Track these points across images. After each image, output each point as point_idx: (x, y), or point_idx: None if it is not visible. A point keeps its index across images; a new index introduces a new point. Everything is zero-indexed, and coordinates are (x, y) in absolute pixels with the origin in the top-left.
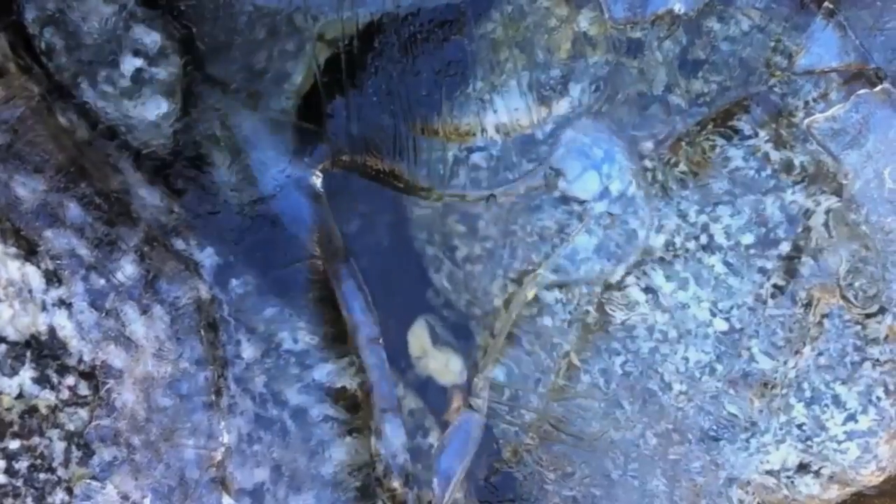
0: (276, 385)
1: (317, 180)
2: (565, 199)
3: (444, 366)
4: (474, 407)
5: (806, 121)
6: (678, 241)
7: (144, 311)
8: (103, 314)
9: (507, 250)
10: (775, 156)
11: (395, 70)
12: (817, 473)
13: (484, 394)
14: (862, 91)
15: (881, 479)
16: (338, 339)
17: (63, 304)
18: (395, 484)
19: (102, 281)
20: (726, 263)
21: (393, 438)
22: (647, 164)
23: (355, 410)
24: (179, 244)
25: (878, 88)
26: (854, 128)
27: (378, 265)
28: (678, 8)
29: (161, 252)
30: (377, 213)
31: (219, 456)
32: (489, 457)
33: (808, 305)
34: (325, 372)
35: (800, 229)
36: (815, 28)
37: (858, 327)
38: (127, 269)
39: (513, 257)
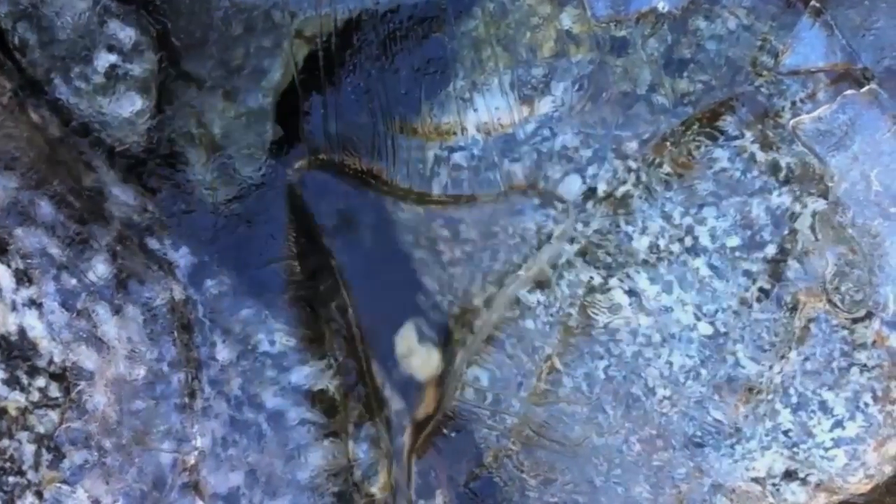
0: (252, 388)
1: (293, 179)
2: (548, 201)
3: (426, 361)
4: (450, 411)
5: (791, 122)
6: (661, 243)
7: (117, 311)
8: (74, 314)
9: (487, 253)
10: (761, 157)
11: (373, 68)
12: (804, 481)
13: (462, 397)
14: (849, 92)
15: (869, 486)
16: (316, 340)
17: (33, 304)
18: (374, 489)
19: (74, 281)
20: (711, 266)
21: (368, 443)
22: (631, 164)
23: (333, 414)
24: (153, 244)
25: (864, 89)
26: (840, 129)
27: (358, 264)
28: (662, 6)
29: (134, 251)
30: (357, 212)
31: (192, 460)
32: (469, 462)
33: (793, 309)
34: (303, 374)
35: (786, 232)
36: (801, 27)
37: (846, 332)
38: (99, 269)
39: (494, 260)
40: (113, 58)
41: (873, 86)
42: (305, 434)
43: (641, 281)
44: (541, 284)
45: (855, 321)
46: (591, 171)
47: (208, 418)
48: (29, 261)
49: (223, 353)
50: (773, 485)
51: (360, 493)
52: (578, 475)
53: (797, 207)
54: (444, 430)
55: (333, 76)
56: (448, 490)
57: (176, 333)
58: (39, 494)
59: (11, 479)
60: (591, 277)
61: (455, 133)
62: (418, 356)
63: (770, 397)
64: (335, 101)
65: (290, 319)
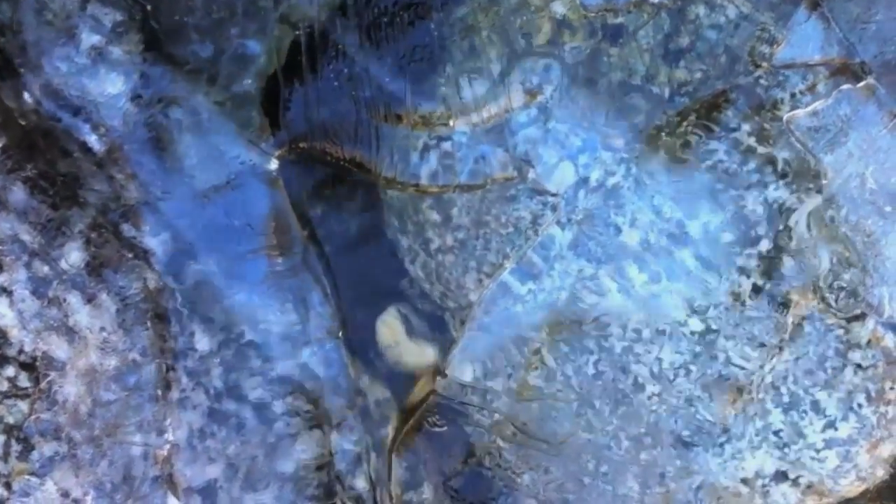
0: (232, 378)
1: (274, 166)
2: (541, 190)
3: (419, 357)
4: (436, 404)
5: (786, 116)
6: (653, 236)
7: (89, 300)
8: (46, 303)
9: (480, 241)
10: (758, 150)
11: (358, 54)
12: (794, 482)
13: (451, 390)
14: (845, 86)
15: (861, 489)
16: (298, 330)
17: (4, 291)
18: (355, 482)
19: (46, 268)
20: (703, 261)
21: (349, 436)
22: (625, 155)
23: (317, 405)
24: (128, 231)
25: (861, 84)
26: (835, 125)
27: (345, 253)
28: None
29: (109, 239)
30: (344, 200)
31: (165, 452)
32: (455, 457)
33: (786, 307)
34: (286, 365)
35: (780, 228)
36: (796, 19)
37: (840, 331)
38: (72, 256)
39: (486, 249)
40: (94, 39)
41: (871, 80)
42: (288, 426)
43: (632, 273)
44: (531, 275)
45: (849, 320)
46: (583, 160)
47: (185, 410)
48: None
49: (202, 343)
50: (763, 486)
51: (343, 486)
52: (566, 472)
53: (792, 203)
54: (429, 424)
55: (316, 62)
56: (435, 483)
57: (150, 323)
58: (8, 486)
59: None
60: (582, 269)
61: (442, 122)
62: (406, 348)
63: (761, 396)
64: (317, 87)
65: (272, 309)
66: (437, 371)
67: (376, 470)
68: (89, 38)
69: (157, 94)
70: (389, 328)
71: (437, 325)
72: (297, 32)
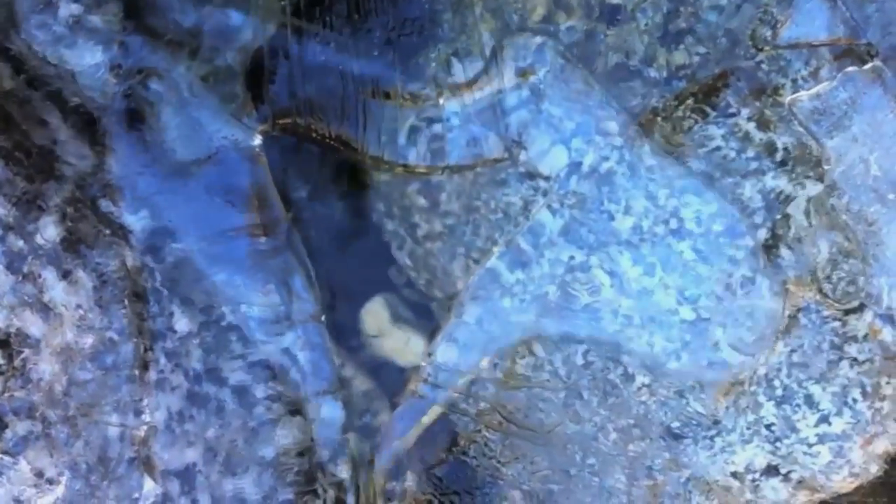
0: (213, 361)
1: (257, 142)
2: (532, 174)
3: (404, 345)
4: (423, 392)
5: (788, 99)
6: (646, 224)
7: (65, 276)
8: (20, 278)
9: (469, 227)
10: (757, 136)
11: (345, 27)
12: (785, 477)
13: (436, 378)
14: (850, 68)
15: (853, 486)
16: (281, 313)
17: None
18: (337, 469)
19: (20, 242)
20: (696, 250)
21: (330, 422)
22: (620, 139)
23: (298, 390)
24: (106, 206)
25: (867, 66)
26: (840, 108)
27: (330, 237)
28: None
29: (86, 214)
30: (329, 182)
31: (141, 434)
32: (439, 446)
33: (782, 298)
34: (268, 348)
35: (778, 216)
36: None
37: (836, 323)
38: (47, 231)
39: (475, 235)
40: (73, 7)
41: (877, 62)
42: (270, 410)
43: (624, 262)
44: (520, 262)
45: (847, 313)
46: (576, 144)
47: (163, 391)
48: None
49: (181, 323)
50: (753, 480)
51: (323, 473)
52: (552, 464)
53: (792, 191)
54: None
55: (302, 35)
56: (418, 472)
57: (127, 302)
58: None
59: None
60: (572, 255)
61: (431, 101)
62: (391, 335)
63: (753, 389)
64: (303, 61)
65: (253, 290)
66: (422, 358)
67: (358, 457)
68: (68, 6)
69: (136, 65)
70: (374, 316)
71: (423, 313)
72: (283, 3)
